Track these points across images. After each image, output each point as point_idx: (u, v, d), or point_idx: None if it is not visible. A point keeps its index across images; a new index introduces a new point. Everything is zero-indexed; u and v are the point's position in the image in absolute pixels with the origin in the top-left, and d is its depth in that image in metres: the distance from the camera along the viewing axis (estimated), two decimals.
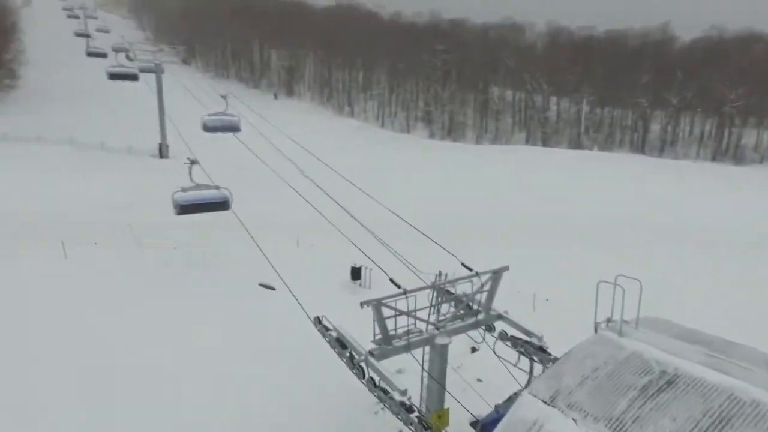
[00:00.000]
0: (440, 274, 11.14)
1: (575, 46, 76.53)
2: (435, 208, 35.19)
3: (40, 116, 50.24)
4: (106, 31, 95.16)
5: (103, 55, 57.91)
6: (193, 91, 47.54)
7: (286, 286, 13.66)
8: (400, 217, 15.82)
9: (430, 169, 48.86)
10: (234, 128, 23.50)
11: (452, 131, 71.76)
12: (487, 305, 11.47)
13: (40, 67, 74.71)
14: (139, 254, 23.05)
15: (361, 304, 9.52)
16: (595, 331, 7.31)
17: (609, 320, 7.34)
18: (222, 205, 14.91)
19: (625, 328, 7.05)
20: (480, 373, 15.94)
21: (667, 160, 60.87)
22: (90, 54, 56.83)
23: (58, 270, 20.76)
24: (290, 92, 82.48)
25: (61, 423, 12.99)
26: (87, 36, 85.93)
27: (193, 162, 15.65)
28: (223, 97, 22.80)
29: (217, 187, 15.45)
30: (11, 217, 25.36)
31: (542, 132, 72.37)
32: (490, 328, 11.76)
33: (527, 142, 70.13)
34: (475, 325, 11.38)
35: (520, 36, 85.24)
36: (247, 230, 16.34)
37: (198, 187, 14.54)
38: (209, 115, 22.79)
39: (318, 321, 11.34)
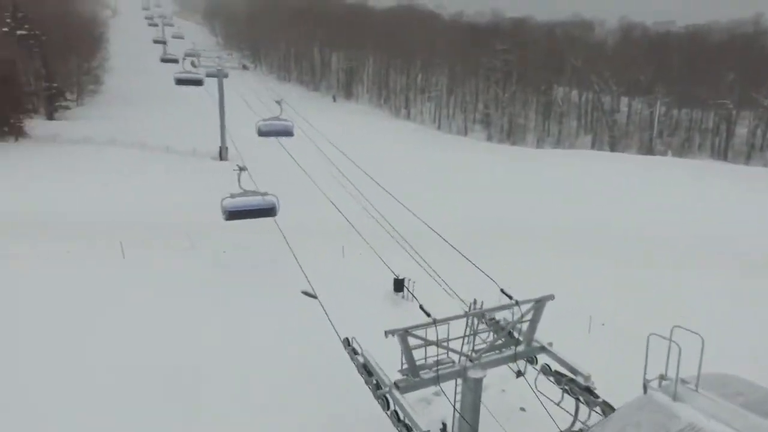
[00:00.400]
0: (475, 302, 10.30)
1: (650, 42, 71.45)
2: (488, 214, 33.86)
3: (117, 120, 53.68)
4: (181, 38, 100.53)
5: (175, 61, 61.14)
6: (252, 95, 49.15)
7: (320, 302, 13.43)
8: (437, 233, 15.05)
9: (486, 173, 47.30)
10: (287, 133, 24.10)
11: (512, 134, 69.37)
12: (529, 336, 10.49)
13: (122, 73, 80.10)
14: (191, 256, 23.77)
15: (386, 333, 8.92)
16: (644, 390, 6.20)
17: (662, 377, 6.22)
18: (269, 211, 15.22)
19: (681, 389, 5.88)
20: (524, 401, 14.83)
21: (757, 168, 55.24)
22: (163, 60, 60.38)
23: (117, 270, 21.81)
24: (349, 94, 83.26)
25: (152, 420, 13.57)
26: (163, 43, 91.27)
27: (241, 169, 16.26)
28: (278, 102, 23.26)
29: (265, 194, 15.79)
30: (75, 217, 27.02)
31: (610, 135, 68.21)
32: (532, 360, 10.78)
33: (593, 146, 66.35)
34: (514, 358, 10.44)
35: (588, 33, 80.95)
36: (284, 237, 16.26)
37: (246, 193, 14.85)
38: (263, 120, 23.52)
39: (347, 343, 10.86)
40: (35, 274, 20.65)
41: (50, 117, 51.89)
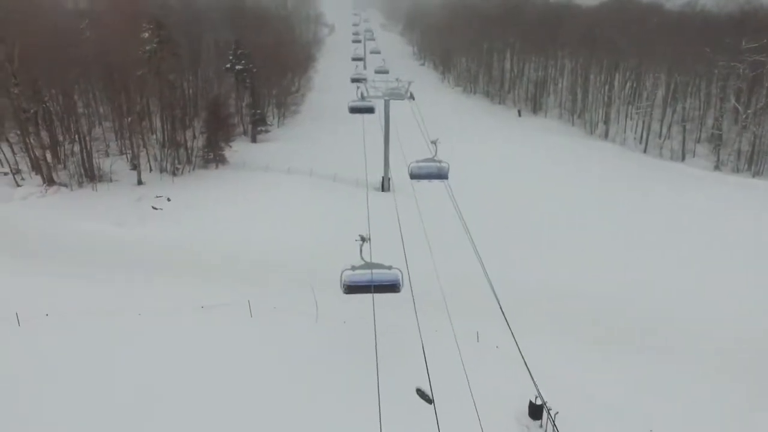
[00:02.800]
0: None
1: None
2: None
3: (301, 141, 58.00)
4: (377, 52, 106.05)
5: (363, 80, 63.72)
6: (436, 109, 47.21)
7: (435, 410, 10.83)
8: None
9: (723, 222, 36.91)
10: (441, 176, 22.22)
11: (755, 161, 53.36)
12: None
13: (321, 89, 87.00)
14: (310, 321, 22.83)
15: None
16: None
17: None
18: (392, 287, 14.45)
19: None
20: None
21: None
22: (353, 80, 63.39)
23: (245, 328, 22.05)
24: (536, 108, 75.72)
25: None
26: (361, 59, 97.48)
27: (363, 240, 14.47)
28: (433, 142, 21.69)
29: (390, 267, 14.53)
30: (221, 255, 28.63)
31: None
32: None
33: None
34: None
35: None
36: (416, 312, 13.77)
37: (368, 265, 14.01)
38: (417, 161, 22.06)
39: None
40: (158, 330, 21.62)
41: (254, 140, 58.79)
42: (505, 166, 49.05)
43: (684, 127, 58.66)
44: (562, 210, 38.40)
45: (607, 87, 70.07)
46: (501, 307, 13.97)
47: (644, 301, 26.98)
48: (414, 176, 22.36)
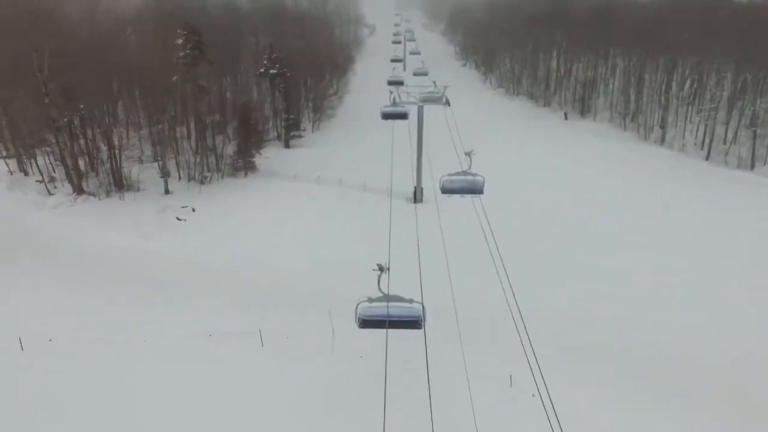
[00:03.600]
0: None
1: None
2: None
3: (335, 146, 56.42)
4: (417, 53, 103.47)
5: (400, 83, 61.47)
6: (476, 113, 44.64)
7: None
8: None
9: None
10: (475, 191, 19.95)
11: None
12: None
13: (358, 92, 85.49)
14: (325, 353, 20.87)
15: None
16: None
17: None
18: (412, 324, 12.73)
19: None
20: None
21: None
22: (390, 82, 61.27)
23: (255, 360, 20.40)
24: (583, 111, 71.04)
25: None
26: (399, 61, 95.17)
27: (382, 270, 12.92)
28: (467, 154, 19.63)
29: (411, 301, 12.84)
30: (239, 274, 27.10)
31: None
32: None
33: None
34: None
35: None
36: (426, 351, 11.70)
37: (387, 298, 12.48)
38: (449, 174, 19.81)
39: None
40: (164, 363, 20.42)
41: (287, 145, 57.79)
42: (549, 178, 45.54)
43: (754, 132, 52.94)
44: (613, 231, 34.53)
45: (663, 87, 64.70)
46: (534, 354, 11.65)
47: (713, 350, 22.27)
48: (445, 191, 19.89)
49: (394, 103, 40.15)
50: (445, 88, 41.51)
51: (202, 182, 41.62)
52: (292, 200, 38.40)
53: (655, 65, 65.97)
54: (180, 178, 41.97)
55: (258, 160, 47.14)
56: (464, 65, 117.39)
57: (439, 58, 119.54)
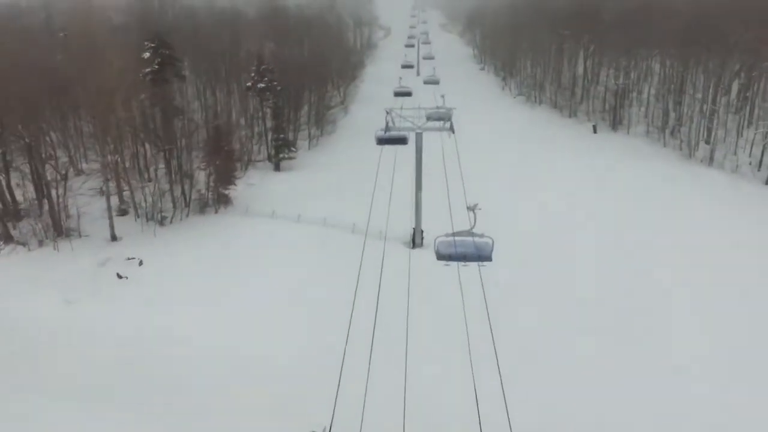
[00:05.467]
0: None
1: None
2: None
3: (328, 171, 49.75)
4: (431, 58, 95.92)
5: (408, 94, 54.44)
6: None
7: None
8: None
9: None
10: (482, 258, 15.55)
11: None
12: None
13: (363, 102, 78.45)
14: None
15: None
16: None
17: None
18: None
19: None
20: None
21: None
22: (396, 94, 54.25)
23: None
24: (615, 123, 62.54)
25: None
26: (411, 67, 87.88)
27: None
28: (470, 209, 15.75)
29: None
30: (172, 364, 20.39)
31: None
32: None
33: None
34: None
35: None
36: None
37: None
38: (446, 235, 15.70)
39: None
40: None
41: (277, 168, 51.40)
42: (575, 212, 37.95)
43: None
44: (663, 286, 27.16)
45: (710, 96, 55.99)
46: None
47: None
48: (442, 257, 15.53)
49: (391, 129, 33.48)
50: (452, 110, 34.41)
51: (161, 223, 35.25)
52: (263, 251, 31.70)
53: (700, 70, 57.27)
54: (137, 217, 35.79)
55: (236, 190, 40.81)
56: (482, 69, 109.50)
57: (455, 61, 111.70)
